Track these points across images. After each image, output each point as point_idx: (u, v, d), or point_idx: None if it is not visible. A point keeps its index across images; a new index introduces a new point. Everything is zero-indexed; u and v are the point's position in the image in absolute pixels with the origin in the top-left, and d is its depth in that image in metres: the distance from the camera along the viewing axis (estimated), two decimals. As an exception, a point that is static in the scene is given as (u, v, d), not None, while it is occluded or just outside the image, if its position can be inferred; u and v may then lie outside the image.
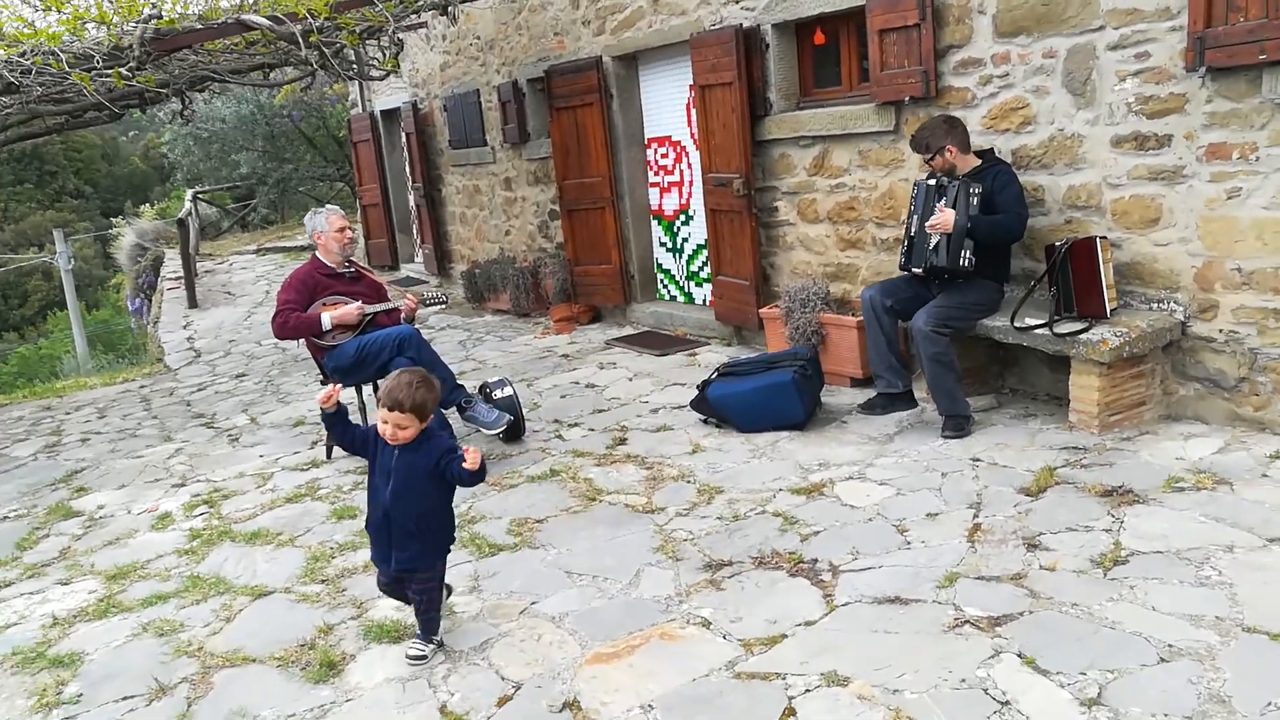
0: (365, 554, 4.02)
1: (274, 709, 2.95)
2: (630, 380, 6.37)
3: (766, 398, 4.97)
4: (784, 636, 2.98)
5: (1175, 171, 4.18)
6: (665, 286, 8.05)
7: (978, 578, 3.18)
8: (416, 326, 5.26)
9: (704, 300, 7.49)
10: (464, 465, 2.98)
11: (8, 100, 5.53)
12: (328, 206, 5.40)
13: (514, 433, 5.27)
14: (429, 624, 3.14)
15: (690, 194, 7.43)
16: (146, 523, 4.83)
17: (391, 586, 3.20)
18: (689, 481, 4.42)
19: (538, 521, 4.16)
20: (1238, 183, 3.98)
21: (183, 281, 12.62)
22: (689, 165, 7.34)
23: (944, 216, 4.43)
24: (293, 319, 5.03)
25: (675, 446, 4.93)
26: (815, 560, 3.47)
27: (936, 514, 3.72)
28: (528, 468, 4.87)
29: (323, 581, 3.84)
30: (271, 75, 8.53)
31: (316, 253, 5.33)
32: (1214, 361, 4.21)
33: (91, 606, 3.87)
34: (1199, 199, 4.13)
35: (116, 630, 3.63)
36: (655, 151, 7.77)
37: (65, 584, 4.19)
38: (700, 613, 3.20)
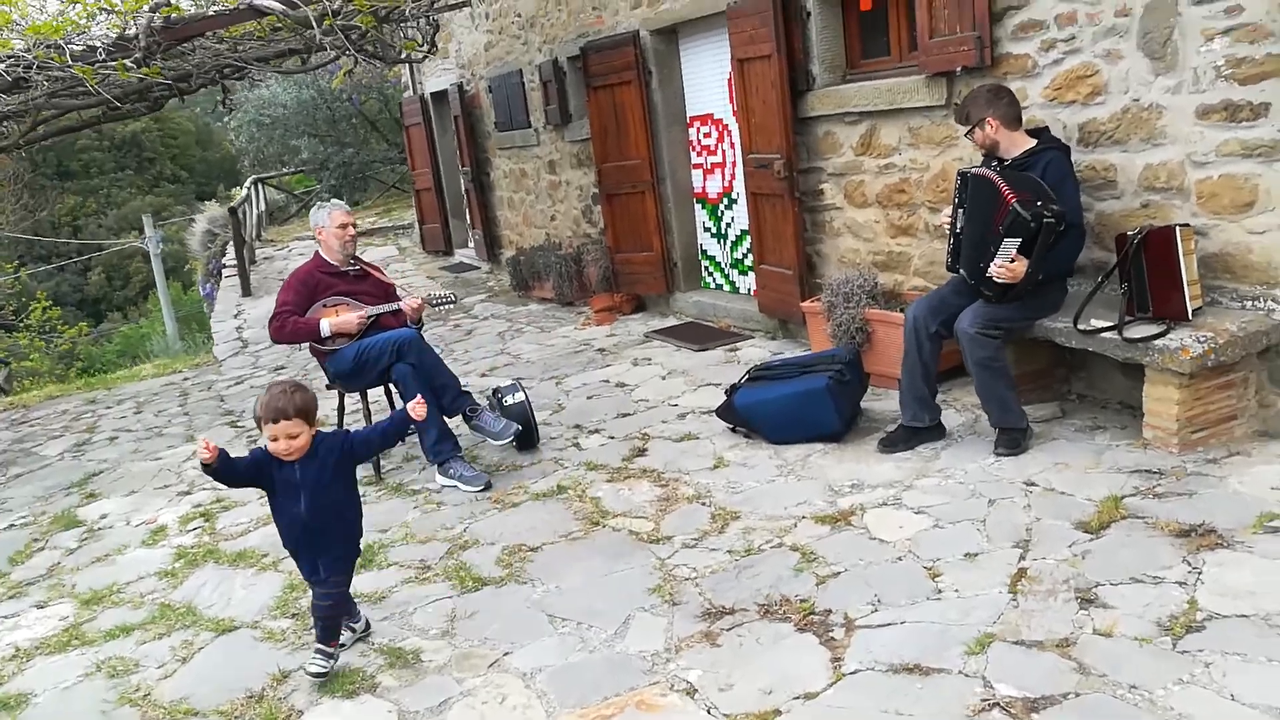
0: (343, 584, 3.70)
1: (201, 779, 2.64)
2: (663, 379, 5.94)
3: (798, 406, 4.48)
4: (777, 713, 2.53)
5: (1274, 146, 3.54)
6: (710, 275, 7.57)
7: (1016, 642, 2.67)
8: (450, 319, 4.91)
9: (749, 290, 6.99)
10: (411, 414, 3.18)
11: (11, 98, 5.33)
12: (332, 201, 5.07)
13: (527, 441, 4.89)
14: (331, 630, 3.02)
15: (733, 175, 6.92)
16: (140, 537, 4.61)
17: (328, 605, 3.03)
18: (704, 504, 3.98)
19: (532, 550, 3.78)
20: (1350, 160, 3.34)
21: (233, 268, 12.60)
22: (732, 145, 6.83)
23: (1014, 269, 3.77)
24: (290, 324, 4.72)
25: (697, 460, 4.48)
26: (829, 611, 3.00)
27: (976, 554, 3.20)
28: (535, 482, 4.49)
29: (293, 615, 3.52)
30: (311, 60, 8.27)
31: (319, 250, 5.01)
32: (1319, 371, 3.58)
33: (55, 637, 3.64)
34: (1302, 179, 3.49)
35: (71, 668, 3.38)
36: (697, 131, 7.27)
37: (41, 607, 3.98)
38: (688, 675, 2.77)
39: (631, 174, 7.51)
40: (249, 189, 15.21)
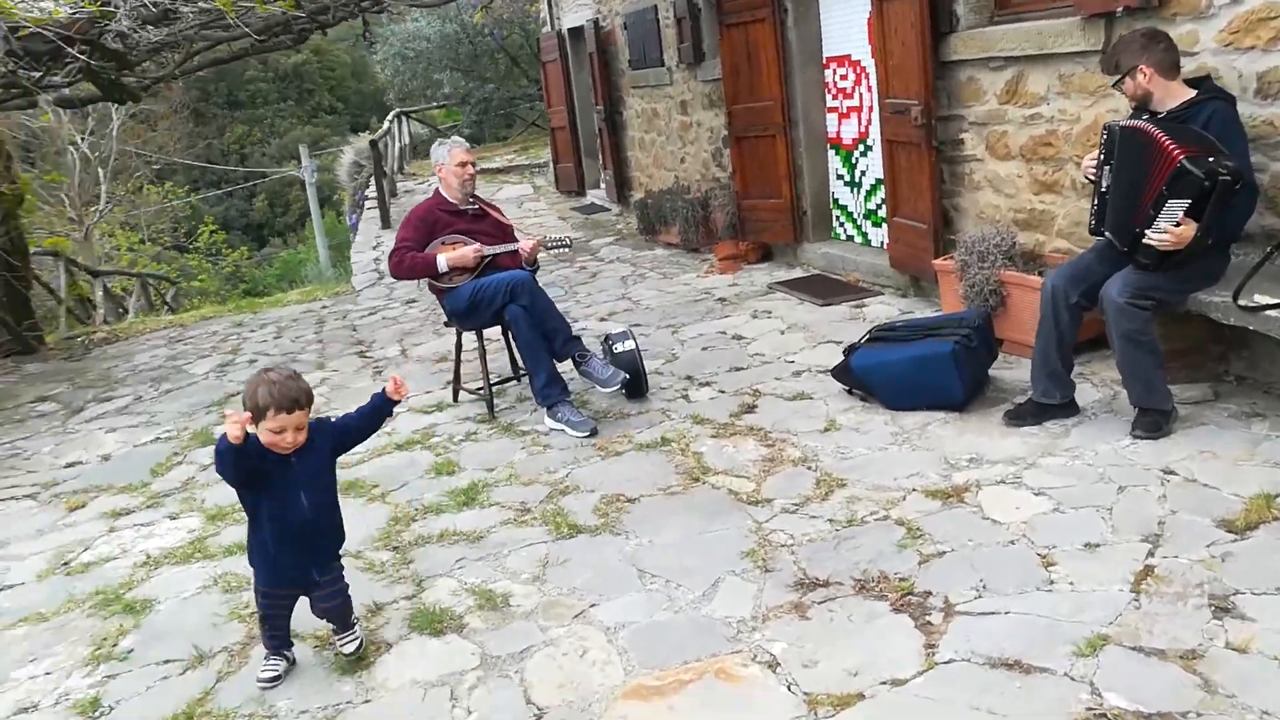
0: (444, 520, 3.78)
1: (290, 700, 2.73)
2: (781, 334, 5.77)
3: (918, 371, 4.26)
4: (860, 697, 2.42)
5: None
6: (841, 225, 7.28)
7: (1134, 648, 2.46)
8: (576, 261, 4.88)
9: (881, 243, 6.69)
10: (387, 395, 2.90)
11: (160, 30, 5.54)
12: (453, 139, 5.08)
13: (635, 390, 4.84)
14: (346, 615, 2.89)
15: (870, 121, 6.59)
16: (264, 460, 4.81)
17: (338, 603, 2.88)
18: (810, 468, 3.84)
19: (629, 501, 3.74)
20: None
21: (374, 200, 12.95)
22: (869, 89, 6.49)
23: (1180, 234, 3.40)
24: (408, 259, 4.79)
25: (807, 421, 4.33)
26: (928, 593, 2.84)
27: (1098, 545, 2.97)
28: (640, 432, 4.44)
29: (394, 549, 3.61)
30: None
31: (439, 188, 5.04)
32: None
33: (182, 548, 3.85)
34: None
35: (192, 580, 3.57)
36: (834, 72, 6.94)
37: (173, 519, 4.21)
38: (772, 647, 2.69)
39: (762, 116, 7.26)
40: (391, 122, 15.53)
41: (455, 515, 3.81)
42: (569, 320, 4.94)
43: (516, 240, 5.00)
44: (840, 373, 4.58)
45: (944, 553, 3.06)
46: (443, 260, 4.75)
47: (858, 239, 7.07)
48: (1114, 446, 3.64)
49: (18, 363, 8.42)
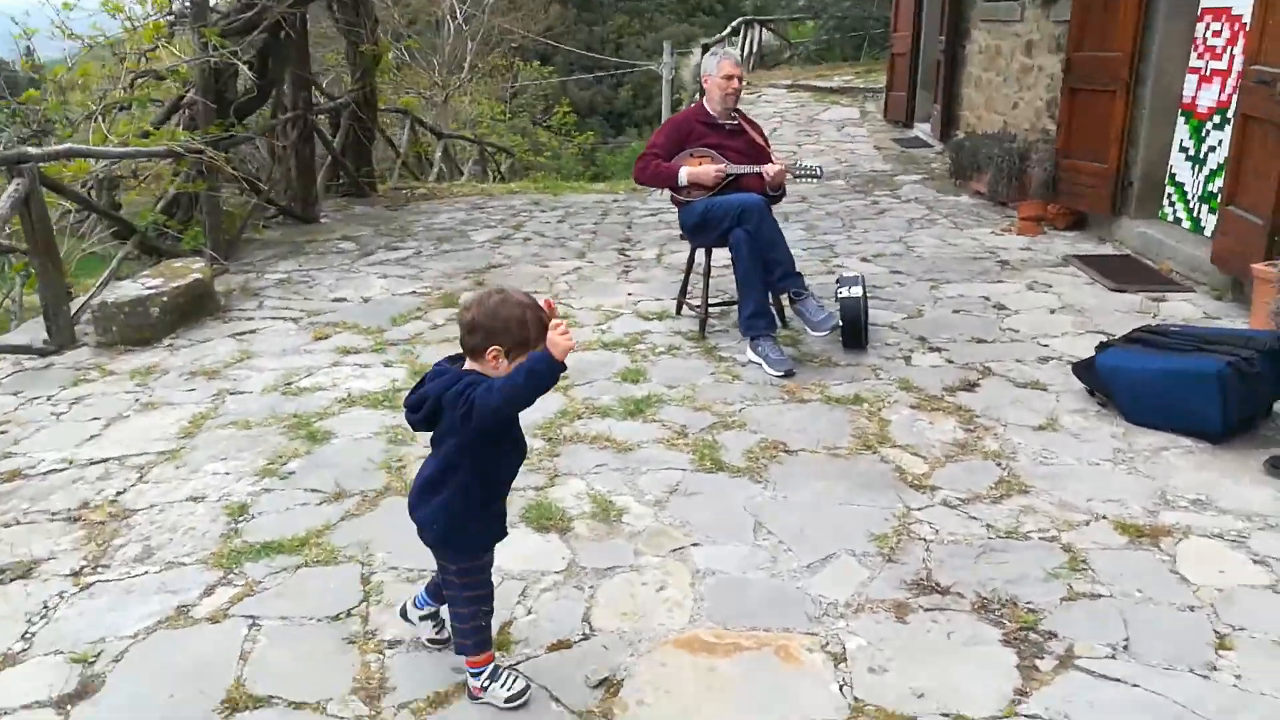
0: (605, 424, 3.79)
1: (386, 554, 2.89)
2: (1051, 312, 5.13)
3: (1173, 387, 3.61)
4: (911, 724, 2.14)
5: None
6: (1171, 204, 6.28)
7: (1274, 774, 1.97)
8: (871, 194, 4.64)
9: (1211, 232, 5.70)
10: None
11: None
12: (724, 50, 4.89)
13: (854, 340, 4.54)
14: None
15: (1235, 89, 5.54)
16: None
17: None
18: (999, 464, 3.41)
19: (787, 452, 3.53)
20: None
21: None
22: (1242, 51, 5.44)
23: None
24: (652, 165, 4.73)
25: (1026, 413, 3.84)
26: (1053, 634, 2.44)
27: (1300, 642, 2.39)
28: (837, 385, 4.16)
29: (549, 439, 3.68)
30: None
31: (703, 98, 4.91)
32: None
33: (376, 395, 4.16)
34: None
35: (371, 424, 3.86)
36: (1206, 27, 5.88)
37: (387, 366, 4.57)
38: (849, 640, 2.44)
39: (1105, 68, 6.35)
40: (738, 28, 15.37)
41: (617, 422, 3.81)
42: (831, 253, 4.68)
43: (771, 164, 4.78)
44: (1083, 370, 4.00)
45: (1099, 595, 2.61)
46: (684, 173, 4.66)
47: (1186, 223, 6.07)
48: (1396, 531, 2.89)
49: (350, 203, 9.48)
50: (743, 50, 16.29)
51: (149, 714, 2.22)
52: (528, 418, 3.71)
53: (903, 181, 9.25)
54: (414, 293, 5.91)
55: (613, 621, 2.55)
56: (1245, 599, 2.59)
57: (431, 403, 2.09)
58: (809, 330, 4.42)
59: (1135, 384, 3.73)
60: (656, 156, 4.75)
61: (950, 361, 4.43)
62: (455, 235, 7.69)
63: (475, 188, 10.66)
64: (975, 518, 3.05)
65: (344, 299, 5.80)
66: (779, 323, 4.61)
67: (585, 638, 2.49)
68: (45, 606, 2.64)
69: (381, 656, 2.41)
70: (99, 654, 2.42)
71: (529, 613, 2.60)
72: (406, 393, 2.19)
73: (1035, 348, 4.59)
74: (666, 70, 28.03)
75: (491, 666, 2.24)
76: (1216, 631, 2.45)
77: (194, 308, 5.28)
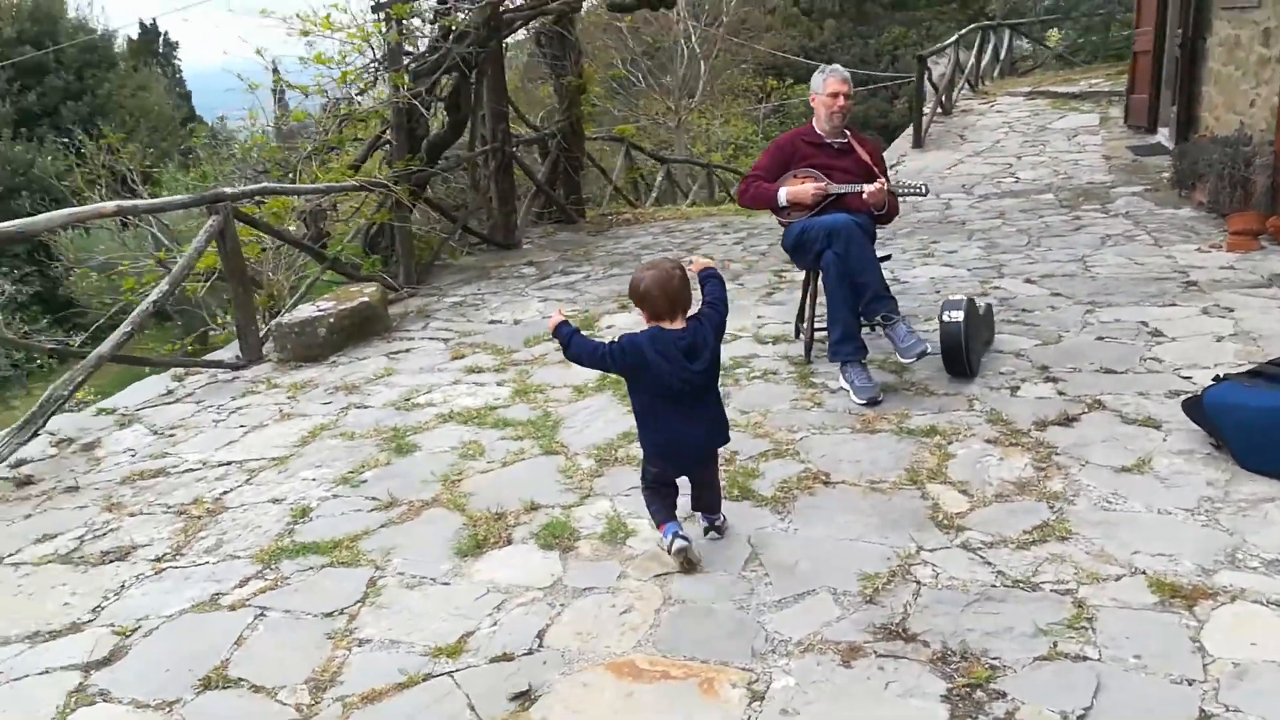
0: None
1: (404, 561, 3.14)
2: (1217, 340, 4.55)
3: (1286, 427, 3.14)
4: (787, 772, 2.07)
5: None
6: None
7: None
8: (1075, 209, 4.46)
9: None
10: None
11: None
12: (832, 67, 4.78)
13: (956, 367, 4.29)
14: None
15: None
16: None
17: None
18: (1052, 508, 3.13)
19: (824, 484, 3.43)
20: None
21: (926, 118, 12.52)
22: None
23: None
24: (753, 188, 4.73)
25: (1117, 453, 3.47)
26: (1002, 695, 2.24)
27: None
28: (921, 415, 3.96)
29: (600, 459, 3.79)
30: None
31: (812, 118, 4.84)
32: None
33: (474, 411, 4.45)
34: None
35: (453, 438, 4.13)
36: None
37: (499, 385, 4.86)
38: (778, 680, 2.38)
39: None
40: (971, 33, 14.58)
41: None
42: (997, 274, 4.45)
43: (877, 183, 4.62)
44: (1191, 406, 3.56)
45: (1083, 658, 2.36)
46: (783, 193, 4.62)
47: None
48: None
49: (556, 229, 10.06)
50: (980, 57, 15.45)
51: (145, 684, 2.58)
52: (587, 439, 3.89)
53: (1119, 194, 8.47)
54: (577, 313, 6.22)
55: (564, 640, 2.64)
56: (1263, 677, 2.24)
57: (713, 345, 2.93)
58: (897, 356, 4.24)
59: (1245, 424, 3.28)
60: (760, 178, 4.74)
61: (1061, 394, 4.08)
62: (630, 259, 7.96)
63: (677, 211, 10.92)
64: (990, 563, 2.83)
65: (499, 321, 6.22)
66: (868, 348, 4.44)
67: (530, 653, 2.59)
68: (122, 586, 3.13)
69: (348, 653, 2.66)
70: (136, 629, 2.85)
71: (494, 625, 2.74)
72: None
73: (1171, 380, 4.12)
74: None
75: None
76: (1203, 710, 2.15)
77: (361, 328, 5.89)
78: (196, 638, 2.78)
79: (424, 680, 2.50)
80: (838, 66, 4.79)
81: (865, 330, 4.40)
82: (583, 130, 10.56)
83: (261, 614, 2.88)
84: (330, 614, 2.85)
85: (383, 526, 3.39)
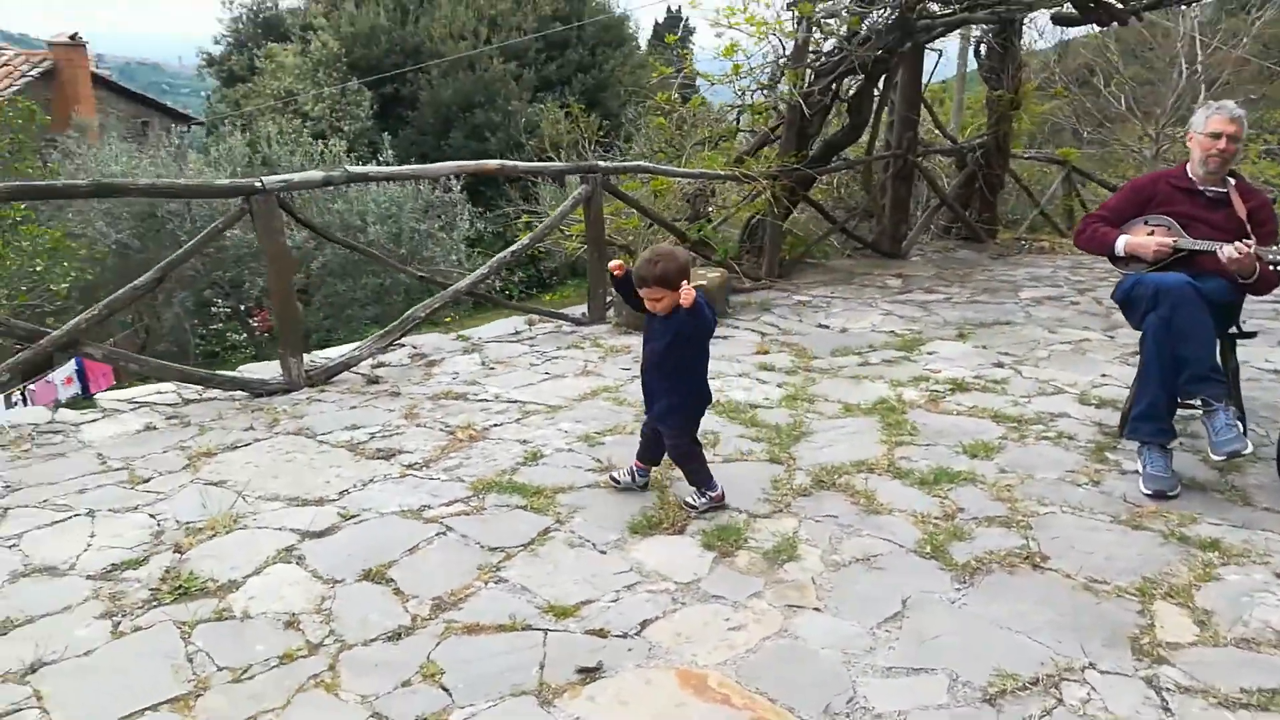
0: (884, 482, 3.66)
1: (579, 525, 3.34)
2: None
3: None
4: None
5: None
6: None
7: None
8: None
9: None
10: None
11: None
12: (1221, 103, 4.01)
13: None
14: (691, 477, 3.41)
15: None
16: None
17: (648, 436, 3.48)
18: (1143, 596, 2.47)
19: (1036, 567, 3.01)
20: None
21: None
22: None
23: None
24: (1090, 228, 4.15)
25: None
26: None
27: None
28: (1213, 525, 3.28)
29: (817, 480, 3.68)
30: None
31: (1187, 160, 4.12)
32: None
33: (731, 405, 4.51)
34: None
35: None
36: None
37: (780, 387, 4.86)
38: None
39: None
40: None
41: (902, 486, 3.62)
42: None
43: (1243, 246, 3.82)
44: None
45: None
46: (1121, 243, 4.02)
47: None
48: None
49: (956, 246, 9.61)
50: None
51: (329, 560, 3.03)
52: (819, 458, 3.78)
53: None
54: (892, 332, 6.01)
55: (661, 635, 2.65)
56: None
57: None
58: (1212, 453, 3.53)
59: None
60: (1103, 220, 4.17)
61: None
62: (1004, 289, 7.43)
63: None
64: (1169, 710, 2.33)
65: (826, 326, 6.17)
66: (1175, 432, 3.73)
67: (624, 636, 2.65)
68: (371, 479, 3.68)
69: (483, 585, 2.91)
70: (354, 516, 3.34)
71: (613, 601, 2.83)
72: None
73: None
74: None
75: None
76: None
77: (691, 309, 6.17)
78: (387, 536, 3.22)
79: (521, 629, 2.68)
80: (1229, 103, 4.02)
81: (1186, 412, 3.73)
82: (1009, 147, 9.88)
83: (444, 532, 3.24)
84: (494, 549, 3.14)
85: (587, 486, 3.62)
